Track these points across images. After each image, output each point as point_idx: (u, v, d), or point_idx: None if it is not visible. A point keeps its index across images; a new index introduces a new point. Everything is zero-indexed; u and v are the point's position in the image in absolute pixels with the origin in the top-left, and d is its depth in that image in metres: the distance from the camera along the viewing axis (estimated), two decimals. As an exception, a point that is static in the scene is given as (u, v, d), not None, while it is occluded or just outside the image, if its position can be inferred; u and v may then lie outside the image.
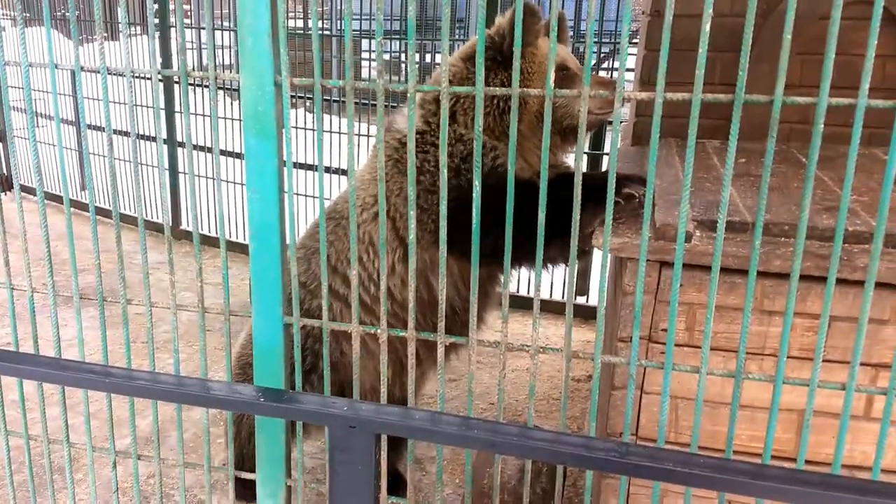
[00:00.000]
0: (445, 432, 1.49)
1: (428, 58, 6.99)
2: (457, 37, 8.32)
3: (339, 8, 8.88)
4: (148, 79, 1.87)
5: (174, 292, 1.97)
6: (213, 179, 1.78)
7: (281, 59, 1.74)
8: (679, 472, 1.33)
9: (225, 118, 5.80)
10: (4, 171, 7.16)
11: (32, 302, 2.09)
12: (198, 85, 6.12)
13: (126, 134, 5.67)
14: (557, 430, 1.55)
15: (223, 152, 5.92)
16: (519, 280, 5.19)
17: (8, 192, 7.09)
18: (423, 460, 3.47)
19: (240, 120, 1.90)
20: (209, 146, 5.84)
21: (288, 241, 1.87)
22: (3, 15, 7.71)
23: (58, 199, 6.46)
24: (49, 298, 2.05)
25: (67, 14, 7.01)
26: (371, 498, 1.48)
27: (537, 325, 1.74)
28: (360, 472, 1.47)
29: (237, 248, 5.66)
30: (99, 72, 1.84)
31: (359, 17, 7.29)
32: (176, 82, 5.78)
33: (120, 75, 5.01)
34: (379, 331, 1.86)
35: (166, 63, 5.69)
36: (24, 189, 6.76)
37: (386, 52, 8.58)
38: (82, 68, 1.90)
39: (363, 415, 1.44)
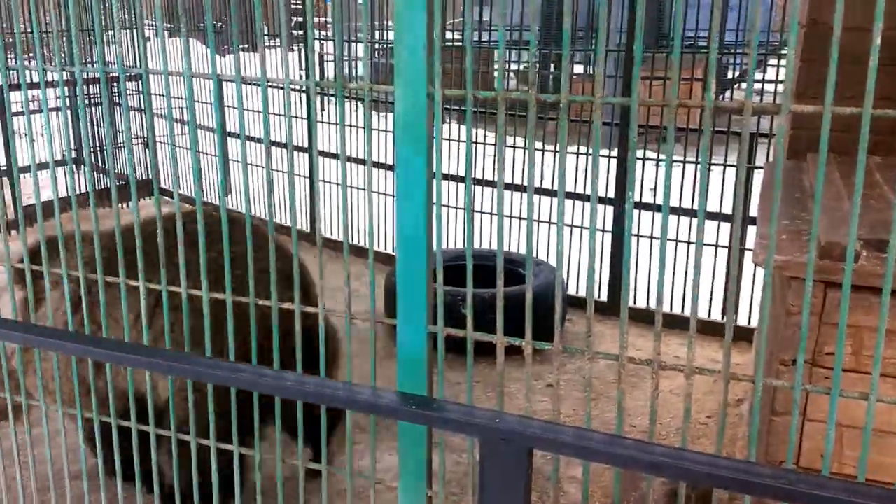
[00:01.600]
0: (596, 449, 1.49)
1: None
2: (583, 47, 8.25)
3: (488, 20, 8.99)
4: (301, 91, 1.96)
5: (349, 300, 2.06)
6: (365, 190, 1.86)
7: (434, 71, 1.79)
8: (852, 503, 1.28)
9: (378, 129, 6.02)
10: (148, 176, 7.64)
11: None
12: (335, 97, 6.33)
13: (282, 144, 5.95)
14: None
15: (359, 161, 6.11)
16: (672, 299, 5.03)
17: (148, 198, 7.56)
18: (561, 479, 3.46)
19: (383, 131, 1.98)
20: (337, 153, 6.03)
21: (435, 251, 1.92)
22: (149, 26, 8.23)
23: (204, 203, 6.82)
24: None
25: (216, 24, 7.42)
26: (520, 512, 1.49)
27: (692, 345, 1.71)
28: (512, 487, 1.49)
29: (366, 255, 5.81)
30: (245, 82, 1.95)
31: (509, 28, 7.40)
32: (331, 94, 6.01)
33: (277, 87, 5.33)
34: (497, 338, 1.88)
35: (303, 75, 5.95)
36: (164, 192, 7.21)
37: (526, 62, 8.58)
38: (243, 80, 2.01)
39: (515, 427, 1.46)
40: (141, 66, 2.05)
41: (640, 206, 5.08)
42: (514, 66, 9.66)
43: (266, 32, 8.64)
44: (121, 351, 1.98)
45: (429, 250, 1.92)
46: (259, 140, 6.05)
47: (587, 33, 8.38)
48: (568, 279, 5.18)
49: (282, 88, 1.92)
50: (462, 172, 6.01)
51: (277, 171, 6.48)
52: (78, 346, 2.00)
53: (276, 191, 6.53)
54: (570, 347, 1.86)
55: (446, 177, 5.66)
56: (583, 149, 5.74)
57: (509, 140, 5.71)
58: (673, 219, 4.76)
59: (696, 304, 1.67)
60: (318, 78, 5.91)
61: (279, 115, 5.94)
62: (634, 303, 5.08)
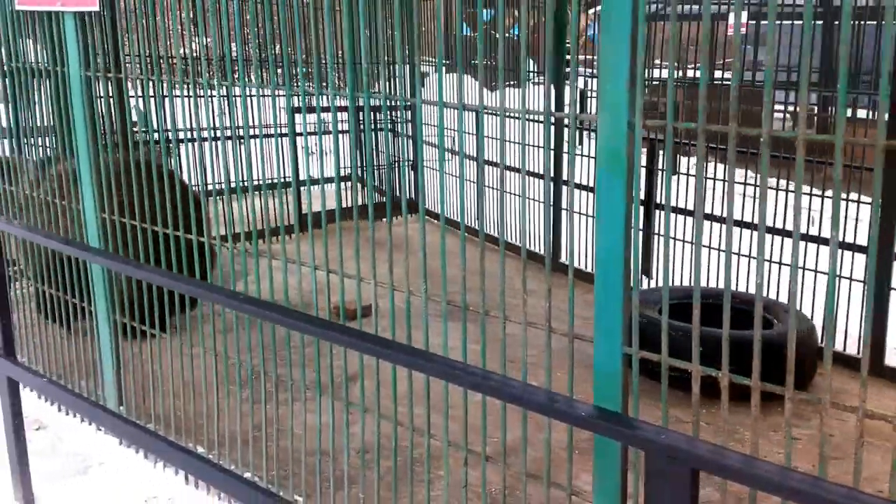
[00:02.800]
0: (761, 476, 1.51)
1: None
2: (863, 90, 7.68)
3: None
4: (541, 122, 2.14)
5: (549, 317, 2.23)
6: (590, 216, 2.01)
7: (636, 102, 1.91)
8: None
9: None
10: (412, 197, 8.27)
11: (426, 309, 2.47)
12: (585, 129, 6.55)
13: (517, 170, 6.25)
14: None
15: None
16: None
17: (413, 214, 8.18)
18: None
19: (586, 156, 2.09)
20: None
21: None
22: (426, 62, 8.93)
23: (455, 224, 7.29)
24: (422, 307, 2.43)
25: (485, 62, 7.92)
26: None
27: None
28: None
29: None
30: (497, 114, 2.17)
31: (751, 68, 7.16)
32: (565, 125, 6.24)
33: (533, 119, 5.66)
34: (721, 375, 1.91)
35: (561, 107, 6.18)
36: (428, 213, 7.78)
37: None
38: (484, 110, 2.24)
39: (680, 445, 1.53)
40: (415, 97, 2.36)
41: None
42: (790, 108, 9.21)
43: (533, 69, 9.01)
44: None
45: (625, 272, 2.02)
46: (517, 169, 6.40)
47: (874, 76, 7.82)
48: (824, 330, 4.88)
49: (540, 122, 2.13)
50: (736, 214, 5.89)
51: (514, 194, 6.75)
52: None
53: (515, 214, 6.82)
54: (812, 397, 1.85)
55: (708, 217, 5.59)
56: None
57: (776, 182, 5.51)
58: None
59: None
60: (577, 112, 6.11)
61: (533, 145, 6.25)
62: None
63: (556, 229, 6.65)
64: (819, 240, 5.04)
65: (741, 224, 5.13)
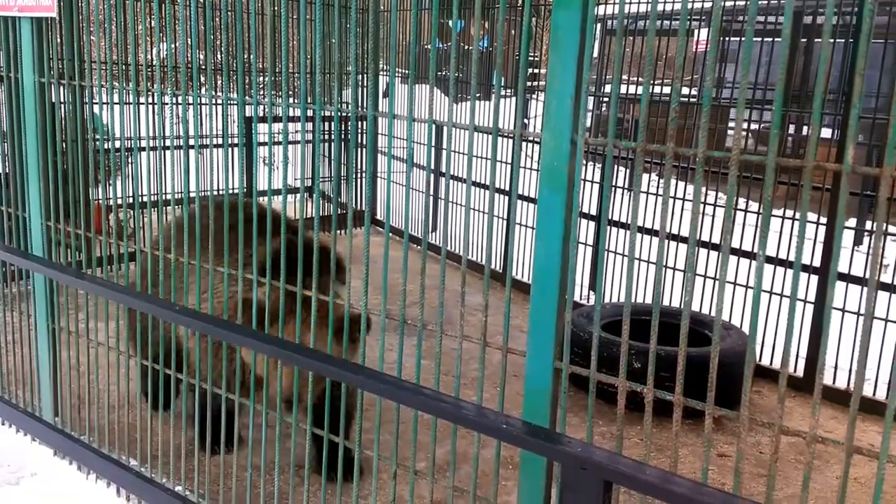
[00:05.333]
0: (676, 492, 1.56)
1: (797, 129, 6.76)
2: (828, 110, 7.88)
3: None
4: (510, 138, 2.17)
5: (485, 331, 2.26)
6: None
7: (579, 121, 1.96)
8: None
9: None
10: (361, 207, 8.29)
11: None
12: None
13: (484, 186, 6.31)
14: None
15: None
16: (877, 382, 4.72)
17: (371, 226, 8.21)
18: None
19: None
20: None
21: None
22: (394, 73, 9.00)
23: (416, 239, 7.31)
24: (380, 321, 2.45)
25: (448, 74, 8.01)
26: (596, 542, 1.58)
27: (889, 432, 1.68)
28: (587, 514, 1.59)
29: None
30: (465, 128, 2.20)
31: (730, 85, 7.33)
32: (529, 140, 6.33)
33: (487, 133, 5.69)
34: (645, 389, 1.95)
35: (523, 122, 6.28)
36: (379, 224, 7.82)
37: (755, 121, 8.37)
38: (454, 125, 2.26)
39: (595, 458, 1.57)
40: (370, 109, 2.39)
41: (849, 278, 4.78)
42: (753, 126, 9.41)
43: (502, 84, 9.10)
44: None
45: (561, 287, 2.06)
46: (475, 183, 6.46)
47: (838, 97, 7.99)
48: (762, 348, 4.98)
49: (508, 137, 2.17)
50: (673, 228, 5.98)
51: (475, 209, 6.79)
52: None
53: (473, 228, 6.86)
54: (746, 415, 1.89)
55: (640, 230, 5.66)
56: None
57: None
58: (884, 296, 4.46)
59: None
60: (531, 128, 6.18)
61: (486, 158, 6.30)
62: (833, 382, 4.78)
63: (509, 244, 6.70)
64: (771, 260, 5.14)
65: (699, 244, 5.20)
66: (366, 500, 3.35)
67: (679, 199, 5.55)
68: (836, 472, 3.94)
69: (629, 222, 2.00)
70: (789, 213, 5.15)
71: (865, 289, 4.58)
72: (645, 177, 7.44)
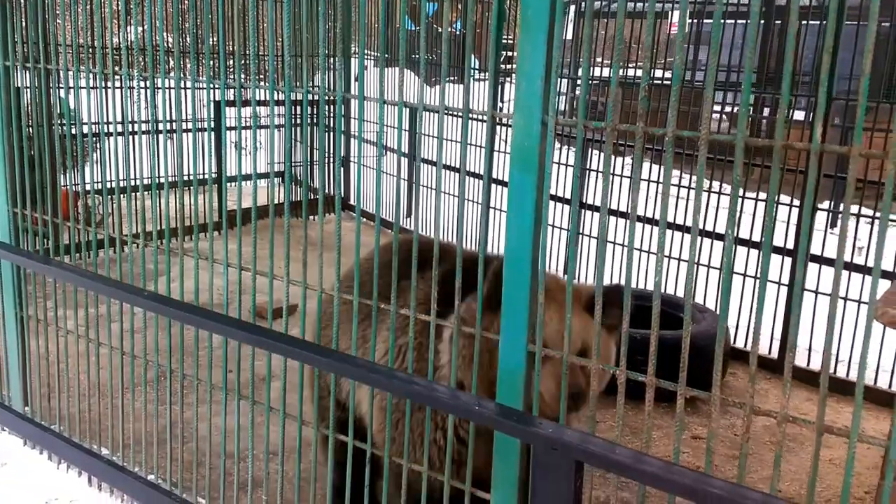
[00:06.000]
0: (647, 471, 1.57)
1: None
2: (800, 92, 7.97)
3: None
4: (483, 121, 2.16)
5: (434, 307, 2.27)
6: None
7: (549, 101, 1.96)
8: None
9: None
10: (333, 193, 8.26)
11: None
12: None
13: (454, 169, 6.30)
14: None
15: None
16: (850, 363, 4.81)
17: (345, 212, 8.17)
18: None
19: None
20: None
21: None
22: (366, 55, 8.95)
23: (388, 223, 7.29)
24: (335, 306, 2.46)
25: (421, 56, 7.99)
26: (568, 522, 1.60)
27: (859, 412, 1.70)
28: (560, 494, 1.61)
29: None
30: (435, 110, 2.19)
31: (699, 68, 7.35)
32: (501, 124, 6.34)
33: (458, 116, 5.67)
34: (617, 372, 1.97)
35: (496, 105, 6.28)
36: (350, 208, 7.81)
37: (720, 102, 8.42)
38: (425, 108, 2.25)
39: (566, 439, 1.58)
40: (343, 92, 2.38)
41: (822, 260, 4.83)
42: (727, 108, 9.47)
43: (476, 66, 9.10)
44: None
45: (533, 269, 2.07)
46: (447, 167, 6.47)
47: (814, 78, 8.06)
48: (736, 331, 5.04)
49: (481, 121, 2.15)
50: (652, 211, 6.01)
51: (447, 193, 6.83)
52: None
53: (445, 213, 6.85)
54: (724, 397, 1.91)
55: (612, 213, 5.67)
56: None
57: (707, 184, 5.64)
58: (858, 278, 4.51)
59: (864, 371, 1.63)
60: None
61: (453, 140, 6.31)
62: (808, 364, 4.85)
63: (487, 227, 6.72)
64: (746, 242, 5.19)
65: (674, 227, 5.26)
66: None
67: (653, 182, 5.57)
68: (811, 454, 4.00)
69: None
70: (763, 195, 5.20)
71: (851, 272, 4.56)
72: (620, 160, 7.48)
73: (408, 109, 2.23)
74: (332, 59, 7.30)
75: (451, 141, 6.38)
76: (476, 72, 9.50)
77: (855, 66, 5.79)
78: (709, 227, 5.30)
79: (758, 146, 1.75)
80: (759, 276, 1.76)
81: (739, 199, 5.34)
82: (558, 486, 1.59)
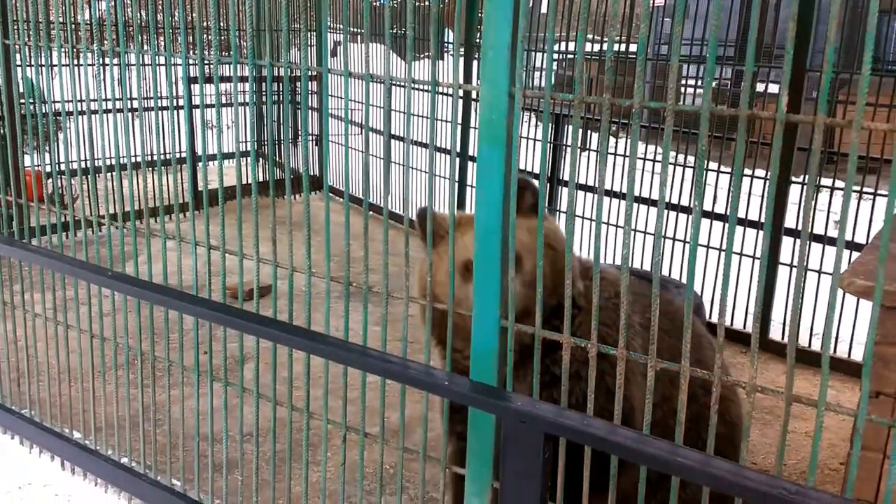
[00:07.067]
0: (620, 443, 1.60)
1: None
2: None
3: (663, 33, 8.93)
4: (450, 95, 2.15)
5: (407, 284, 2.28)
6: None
7: (516, 73, 1.96)
8: None
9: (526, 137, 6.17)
10: (316, 173, 8.22)
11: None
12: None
13: (424, 145, 6.29)
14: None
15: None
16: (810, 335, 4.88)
17: (317, 192, 8.12)
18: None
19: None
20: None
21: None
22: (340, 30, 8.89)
23: (360, 201, 7.28)
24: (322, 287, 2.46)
25: (404, 32, 7.95)
26: (537, 495, 1.62)
27: (826, 381, 1.74)
28: (529, 467, 1.63)
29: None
30: (405, 86, 2.18)
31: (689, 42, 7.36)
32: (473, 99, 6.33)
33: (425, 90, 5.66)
34: (589, 345, 1.98)
35: (471, 80, 6.26)
36: (332, 191, 7.76)
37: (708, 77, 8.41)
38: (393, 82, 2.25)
39: (535, 412, 1.60)
40: (321, 67, 2.35)
41: (794, 233, 4.88)
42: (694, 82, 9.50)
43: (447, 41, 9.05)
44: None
45: (503, 245, 2.08)
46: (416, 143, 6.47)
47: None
48: (711, 305, 5.09)
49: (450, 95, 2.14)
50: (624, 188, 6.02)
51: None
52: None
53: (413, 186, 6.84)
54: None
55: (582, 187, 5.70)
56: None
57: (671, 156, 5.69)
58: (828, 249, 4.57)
59: (829, 340, 1.66)
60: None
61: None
62: (783, 338, 4.92)
63: (462, 204, 6.72)
64: (716, 216, 5.23)
65: (640, 200, 5.29)
66: (318, 466, 3.38)
67: (619, 155, 5.57)
68: (790, 427, 4.06)
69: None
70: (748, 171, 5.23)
71: (827, 246, 4.58)
72: (596, 136, 7.48)
73: (381, 85, 2.22)
74: (298, 34, 7.26)
75: (422, 117, 6.37)
76: (451, 46, 9.45)
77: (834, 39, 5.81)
78: (684, 203, 5.34)
79: (724, 115, 1.76)
80: (736, 252, 1.78)
81: (711, 173, 5.43)
82: (526, 459, 1.61)
